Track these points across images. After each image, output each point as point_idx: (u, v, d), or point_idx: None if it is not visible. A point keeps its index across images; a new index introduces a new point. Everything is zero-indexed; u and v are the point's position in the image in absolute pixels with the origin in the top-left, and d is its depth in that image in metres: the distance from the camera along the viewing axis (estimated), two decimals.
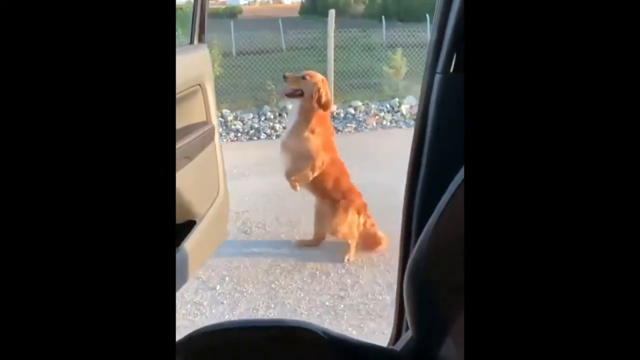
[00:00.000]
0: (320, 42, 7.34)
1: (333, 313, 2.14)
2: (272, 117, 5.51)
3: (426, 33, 7.94)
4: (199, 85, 1.45)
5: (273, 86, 5.47)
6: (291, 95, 2.59)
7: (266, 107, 5.66)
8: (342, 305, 2.19)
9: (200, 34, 1.52)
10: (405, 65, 6.84)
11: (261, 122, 5.45)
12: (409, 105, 5.78)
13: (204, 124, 1.49)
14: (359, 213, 2.61)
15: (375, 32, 10.52)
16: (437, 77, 0.86)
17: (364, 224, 2.63)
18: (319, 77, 2.58)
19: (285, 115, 5.32)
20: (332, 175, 2.59)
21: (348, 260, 2.56)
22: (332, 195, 2.61)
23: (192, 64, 1.44)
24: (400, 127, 5.40)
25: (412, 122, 5.35)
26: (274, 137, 4.97)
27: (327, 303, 2.21)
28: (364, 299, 2.24)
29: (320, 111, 2.52)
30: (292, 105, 2.80)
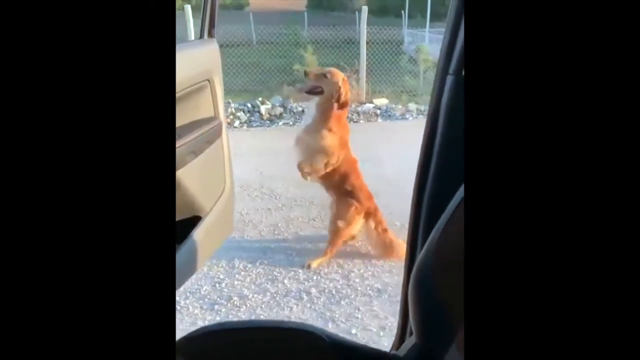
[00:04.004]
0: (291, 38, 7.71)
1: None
2: None
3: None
4: (208, 80, 1.44)
5: None
6: (311, 92, 2.56)
7: None
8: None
9: (210, 29, 1.51)
10: (317, 62, 6.70)
11: None
12: (270, 105, 5.66)
13: (211, 119, 1.49)
14: (367, 216, 2.54)
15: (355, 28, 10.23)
16: (449, 79, 0.84)
17: (375, 228, 2.55)
18: (340, 75, 2.55)
19: None
20: (341, 170, 2.57)
21: (308, 266, 2.45)
22: (339, 190, 2.58)
23: (202, 59, 1.43)
24: (243, 128, 5.26)
25: (268, 123, 5.34)
26: None
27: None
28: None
29: (338, 110, 2.52)
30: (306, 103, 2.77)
